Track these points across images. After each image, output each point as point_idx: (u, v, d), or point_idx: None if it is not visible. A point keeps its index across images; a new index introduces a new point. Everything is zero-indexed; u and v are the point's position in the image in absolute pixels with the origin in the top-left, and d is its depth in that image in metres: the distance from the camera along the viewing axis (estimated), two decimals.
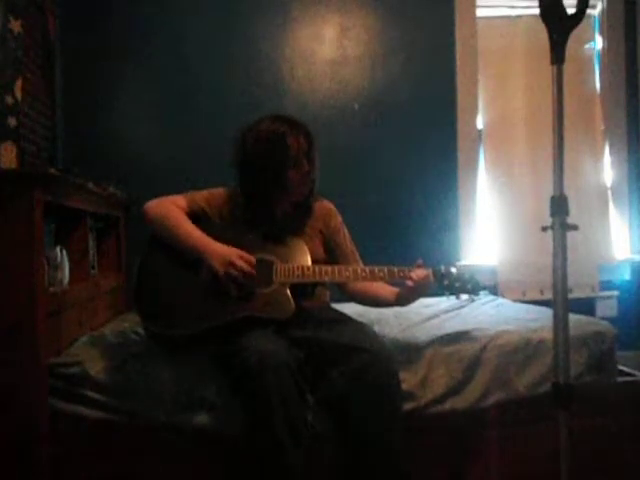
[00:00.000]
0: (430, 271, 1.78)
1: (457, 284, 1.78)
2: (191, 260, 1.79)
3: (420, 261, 1.79)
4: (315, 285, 1.90)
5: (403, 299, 1.83)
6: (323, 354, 1.70)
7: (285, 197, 1.90)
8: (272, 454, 1.56)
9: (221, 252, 1.74)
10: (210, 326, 1.73)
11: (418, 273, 1.76)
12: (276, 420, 1.53)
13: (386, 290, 1.90)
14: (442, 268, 1.80)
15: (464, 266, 1.84)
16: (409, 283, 1.76)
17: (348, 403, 1.64)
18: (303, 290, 1.83)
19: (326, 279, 1.81)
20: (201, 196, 1.93)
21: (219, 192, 1.96)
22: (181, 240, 1.80)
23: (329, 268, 1.80)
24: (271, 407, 1.53)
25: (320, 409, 1.70)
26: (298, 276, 1.77)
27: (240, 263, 1.72)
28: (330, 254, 1.96)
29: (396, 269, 1.78)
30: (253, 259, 1.75)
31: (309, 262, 1.81)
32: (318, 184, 1.95)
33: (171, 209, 1.85)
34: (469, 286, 1.78)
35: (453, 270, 1.80)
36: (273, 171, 1.83)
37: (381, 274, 1.78)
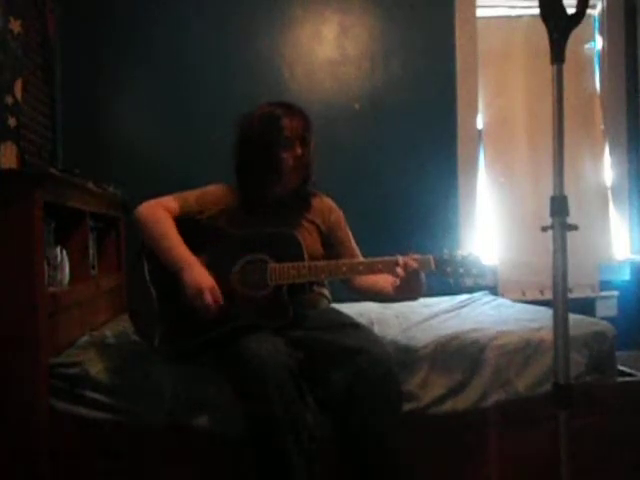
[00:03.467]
0: (431, 260, 1.74)
1: (461, 269, 1.74)
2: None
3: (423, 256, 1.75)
4: (312, 283, 1.87)
5: (399, 291, 1.76)
6: (323, 355, 1.70)
7: (278, 181, 1.87)
8: (273, 455, 1.55)
9: (197, 277, 1.69)
10: (208, 338, 1.72)
11: (405, 259, 1.71)
12: (277, 421, 1.53)
13: (386, 281, 1.84)
14: (445, 253, 1.75)
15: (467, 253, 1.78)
16: (399, 271, 1.71)
17: (348, 405, 1.63)
18: (300, 289, 1.80)
19: (323, 277, 1.77)
20: (193, 195, 1.91)
21: (212, 189, 1.94)
22: (163, 252, 1.76)
23: (325, 265, 1.77)
24: (271, 408, 1.52)
25: (320, 410, 1.70)
26: (294, 276, 1.72)
27: (208, 297, 1.67)
28: (331, 250, 1.94)
29: (394, 259, 1.73)
30: (221, 299, 1.69)
31: (305, 258, 1.76)
32: (317, 177, 1.94)
33: (161, 217, 1.81)
34: (474, 270, 1.74)
35: (457, 254, 1.74)
36: (266, 151, 1.83)
37: (379, 266, 1.75)
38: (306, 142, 1.87)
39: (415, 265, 1.70)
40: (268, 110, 1.87)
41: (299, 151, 1.84)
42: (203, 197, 1.91)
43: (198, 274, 1.70)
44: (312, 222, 1.94)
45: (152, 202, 1.86)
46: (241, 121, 1.90)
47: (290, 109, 1.87)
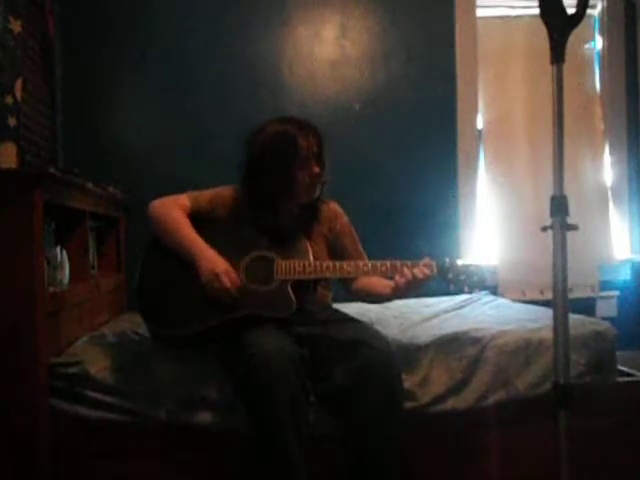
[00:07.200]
0: (434, 265, 1.76)
1: (462, 277, 1.76)
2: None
3: (427, 260, 1.77)
4: (317, 282, 1.89)
5: (400, 291, 1.78)
6: (324, 350, 1.70)
7: (292, 198, 1.88)
8: (275, 453, 1.56)
9: (211, 263, 1.72)
10: (211, 325, 1.73)
11: (422, 270, 1.74)
12: (281, 420, 1.53)
13: (383, 285, 1.87)
14: (447, 261, 1.78)
15: (468, 262, 1.82)
16: (404, 278, 1.74)
17: (351, 400, 1.64)
18: (305, 288, 1.82)
19: (327, 274, 1.80)
20: (205, 196, 1.92)
21: (225, 191, 1.94)
22: (178, 243, 1.79)
23: (330, 264, 1.79)
24: (276, 405, 1.53)
25: (322, 408, 1.71)
26: (299, 272, 1.75)
27: (224, 279, 1.70)
28: (337, 257, 1.93)
29: (399, 263, 1.76)
30: (239, 281, 1.72)
31: (311, 260, 1.79)
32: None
33: (173, 210, 1.83)
34: (475, 278, 1.77)
35: (459, 263, 1.78)
36: (281, 171, 1.81)
37: (383, 268, 1.77)
38: (321, 160, 1.87)
39: (422, 276, 1.72)
40: (281, 129, 1.83)
41: (316, 170, 1.84)
42: (214, 198, 1.92)
43: (213, 259, 1.73)
44: (319, 232, 1.96)
45: (165, 199, 1.88)
46: (251, 139, 1.87)
47: (303, 127, 1.85)
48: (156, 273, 1.83)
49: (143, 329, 1.94)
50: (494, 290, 3.09)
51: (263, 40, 3.08)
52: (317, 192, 1.90)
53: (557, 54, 1.38)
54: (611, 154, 3.35)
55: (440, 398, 1.86)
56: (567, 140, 1.39)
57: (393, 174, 3.11)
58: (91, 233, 2.41)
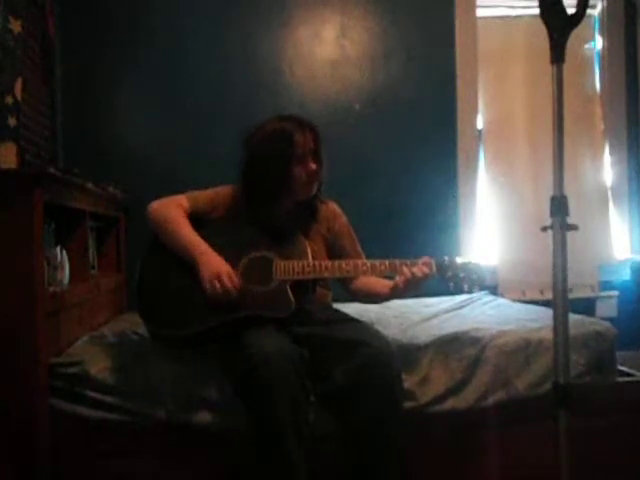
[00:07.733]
0: (433, 263, 1.76)
1: (461, 274, 1.77)
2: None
3: (426, 258, 1.77)
4: (316, 282, 1.89)
5: (399, 291, 1.79)
6: (324, 350, 1.70)
7: (289, 195, 1.87)
8: (274, 454, 1.56)
9: (212, 264, 1.71)
10: (211, 325, 1.72)
11: (421, 269, 1.74)
12: (281, 421, 1.53)
13: (382, 284, 1.88)
14: (446, 259, 1.78)
15: (467, 260, 1.82)
16: (403, 277, 1.74)
17: (351, 400, 1.64)
18: (304, 288, 1.82)
19: (326, 275, 1.79)
20: (205, 196, 1.92)
21: (224, 191, 1.94)
22: (178, 245, 1.78)
23: (329, 263, 1.80)
24: (276, 405, 1.52)
25: (322, 408, 1.71)
26: (298, 273, 1.75)
27: (226, 281, 1.68)
28: (336, 257, 1.93)
29: (398, 262, 1.76)
30: (239, 282, 1.71)
31: (310, 260, 1.79)
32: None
33: (173, 212, 1.83)
34: (474, 276, 1.77)
35: (458, 260, 1.78)
36: (278, 167, 1.81)
37: (382, 267, 1.77)
38: (319, 157, 1.86)
39: (421, 275, 1.73)
40: (279, 126, 1.84)
41: (313, 167, 1.84)
42: (214, 198, 1.92)
43: (213, 261, 1.72)
44: (317, 231, 1.95)
45: (163, 200, 1.88)
46: (250, 136, 1.87)
47: (301, 124, 1.85)
48: (156, 273, 1.83)
49: (143, 329, 1.94)
50: (494, 290, 3.09)
51: (263, 40, 3.08)
52: (314, 189, 1.90)
53: (557, 54, 1.38)
54: (611, 154, 3.36)
55: (440, 398, 1.86)
56: (567, 140, 1.40)
57: (393, 174, 3.11)
58: (91, 233, 2.41)
